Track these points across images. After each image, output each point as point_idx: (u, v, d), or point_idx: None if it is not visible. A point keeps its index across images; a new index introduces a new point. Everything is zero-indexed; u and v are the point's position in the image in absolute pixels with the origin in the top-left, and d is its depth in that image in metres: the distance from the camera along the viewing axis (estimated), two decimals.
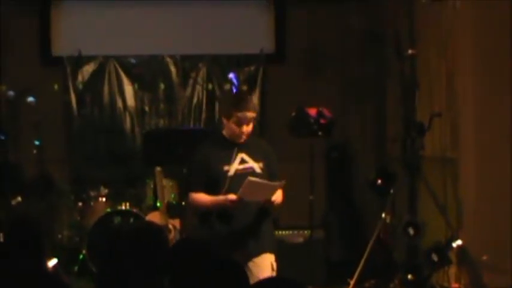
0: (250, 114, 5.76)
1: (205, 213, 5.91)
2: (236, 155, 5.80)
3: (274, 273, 5.84)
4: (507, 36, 7.99)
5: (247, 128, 5.77)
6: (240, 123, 5.74)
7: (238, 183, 5.69)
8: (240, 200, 5.64)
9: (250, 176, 5.71)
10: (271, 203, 5.77)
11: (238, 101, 5.80)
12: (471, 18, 8.05)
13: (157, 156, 7.69)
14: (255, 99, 5.91)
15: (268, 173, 5.85)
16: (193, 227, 8.99)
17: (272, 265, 5.89)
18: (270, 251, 5.92)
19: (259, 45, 10.04)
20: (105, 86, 9.85)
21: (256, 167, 5.83)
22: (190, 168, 6.03)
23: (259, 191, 5.71)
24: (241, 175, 5.75)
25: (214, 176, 5.79)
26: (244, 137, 5.79)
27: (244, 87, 9.86)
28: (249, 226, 5.81)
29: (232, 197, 5.66)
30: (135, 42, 9.90)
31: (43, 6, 9.81)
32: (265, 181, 5.72)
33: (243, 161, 5.82)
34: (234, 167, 5.79)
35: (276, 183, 5.73)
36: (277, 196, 5.80)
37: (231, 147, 5.82)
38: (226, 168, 5.78)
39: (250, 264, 5.80)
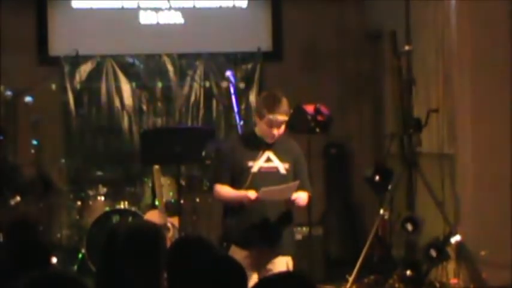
0: (281, 118, 5.79)
1: (228, 206, 5.98)
2: (263, 152, 5.86)
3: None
4: (504, 32, 8.01)
5: (278, 131, 5.82)
6: (270, 124, 5.79)
7: (261, 180, 5.75)
8: (257, 200, 5.68)
9: (273, 175, 5.80)
10: (291, 202, 5.79)
11: (271, 104, 5.81)
12: (468, 14, 8.06)
13: (155, 155, 7.68)
14: (286, 102, 5.87)
15: (294, 174, 5.88)
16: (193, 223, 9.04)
17: (287, 264, 5.93)
18: (288, 255, 5.97)
19: (257, 43, 10.05)
20: (103, 85, 9.86)
21: (281, 167, 5.87)
22: (216, 159, 6.08)
23: (276, 194, 5.75)
24: (265, 173, 5.82)
25: (238, 170, 5.86)
26: (273, 138, 5.84)
27: (242, 85, 9.88)
28: (270, 225, 5.82)
29: (250, 195, 5.69)
30: (132, 41, 9.90)
31: (40, 5, 9.81)
32: (278, 187, 5.75)
33: (268, 160, 5.87)
34: (259, 164, 5.84)
35: (290, 184, 5.76)
36: (298, 197, 5.80)
37: (259, 144, 5.88)
38: (250, 164, 5.83)
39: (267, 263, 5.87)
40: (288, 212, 5.92)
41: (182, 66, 9.98)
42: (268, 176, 5.80)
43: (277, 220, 5.87)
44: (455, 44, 8.12)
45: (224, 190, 5.90)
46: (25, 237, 4.35)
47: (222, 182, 5.91)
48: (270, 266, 5.86)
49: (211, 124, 9.73)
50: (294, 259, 6.00)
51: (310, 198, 6.04)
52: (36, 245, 4.07)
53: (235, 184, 5.86)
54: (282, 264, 5.89)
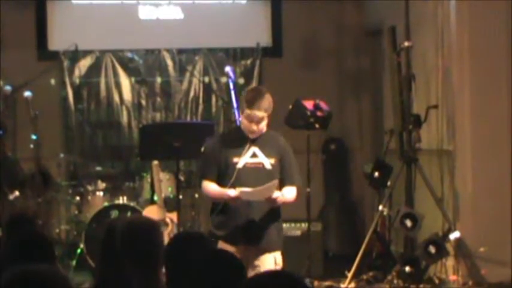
0: (259, 114, 5.74)
1: (215, 202, 5.96)
2: (248, 148, 5.83)
3: (277, 267, 5.83)
4: (503, 28, 8.00)
5: (258, 126, 5.77)
6: (250, 119, 5.76)
7: (247, 176, 5.73)
8: (239, 199, 5.67)
9: (259, 171, 5.77)
10: (272, 200, 5.76)
11: (251, 99, 5.79)
12: (467, 10, 8.06)
13: (154, 150, 7.67)
14: (268, 100, 5.82)
15: (280, 170, 5.85)
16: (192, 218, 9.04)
17: (275, 259, 5.90)
18: (275, 251, 5.93)
19: (256, 38, 10.04)
20: (102, 80, 9.87)
21: (267, 162, 5.83)
22: (202, 155, 6.07)
23: (255, 195, 5.73)
24: (250, 169, 5.79)
25: (223, 166, 5.83)
26: (254, 133, 5.81)
27: (241, 80, 9.87)
28: (254, 223, 5.81)
29: (230, 193, 5.69)
30: (132, 36, 9.90)
31: (39, 0, 9.81)
32: (255, 188, 5.71)
33: (254, 155, 5.83)
34: (244, 159, 5.80)
35: (268, 184, 5.73)
36: (280, 195, 5.77)
37: (245, 140, 5.84)
38: (235, 160, 5.80)
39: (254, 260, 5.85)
40: (274, 209, 5.90)
41: (181, 62, 9.99)
42: (254, 172, 5.76)
43: (262, 217, 5.84)
44: (455, 40, 8.11)
45: (209, 187, 5.87)
46: (24, 233, 4.33)
47: (208, 178, 5.88)
48: (257, 263, 5.83)
49: (210, 119, 9.73)
50: (283, 254, 5.97)
51: (299, 190, 6.00)
52: (40, 240, 4.06)
53: (222, 180, 5.83)
54: (269, 260, 5.86)
